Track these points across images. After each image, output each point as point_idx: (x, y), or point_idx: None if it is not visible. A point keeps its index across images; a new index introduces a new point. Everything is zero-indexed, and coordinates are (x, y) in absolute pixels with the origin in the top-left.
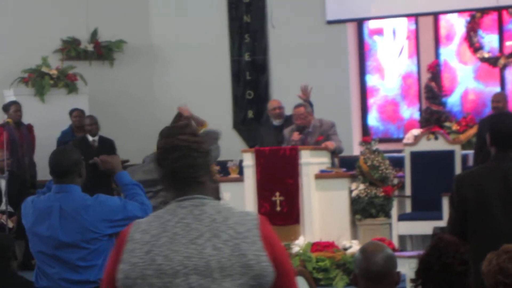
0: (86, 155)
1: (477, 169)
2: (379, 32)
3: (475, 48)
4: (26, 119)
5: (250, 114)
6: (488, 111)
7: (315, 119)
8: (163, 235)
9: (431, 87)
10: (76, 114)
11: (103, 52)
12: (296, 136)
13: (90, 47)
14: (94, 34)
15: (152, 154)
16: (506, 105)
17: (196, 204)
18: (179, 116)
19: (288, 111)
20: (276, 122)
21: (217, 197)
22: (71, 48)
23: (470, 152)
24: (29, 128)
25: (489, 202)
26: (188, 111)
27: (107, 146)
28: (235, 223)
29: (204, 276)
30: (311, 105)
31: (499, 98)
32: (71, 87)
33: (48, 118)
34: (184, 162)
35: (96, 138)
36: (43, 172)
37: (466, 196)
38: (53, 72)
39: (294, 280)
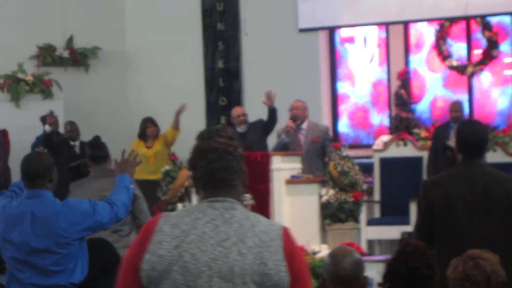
0: (68, 160)
1: (444, 175)
2: (350, 40)
3: (444, 56)
4: (0, 125)
5: (223, 120)
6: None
7: (309, 120)
8: (193, 232)
9: (401, 94)
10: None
11: (79, 58)
12: (290, 122)
13: (66, 54)
14: (70, 40)
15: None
16: (462, 114)
17: (227, 208)
18: (145, 122)
19: (256, 117)
20: (240, 128)
21: (242, 201)
22: (46, 55)
23: None
24: (4, 133)
25: (455, 208)
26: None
27: None
28: (261, 231)
29: (226, 280)
30: (275, 110)
31: (458, 108)
32: (47, 93)
33: (23, 124)
34: (220, 165)
35: (77, 143)
36: (17, 177)
37: (433, 202)
38: (29, 78)
39: None
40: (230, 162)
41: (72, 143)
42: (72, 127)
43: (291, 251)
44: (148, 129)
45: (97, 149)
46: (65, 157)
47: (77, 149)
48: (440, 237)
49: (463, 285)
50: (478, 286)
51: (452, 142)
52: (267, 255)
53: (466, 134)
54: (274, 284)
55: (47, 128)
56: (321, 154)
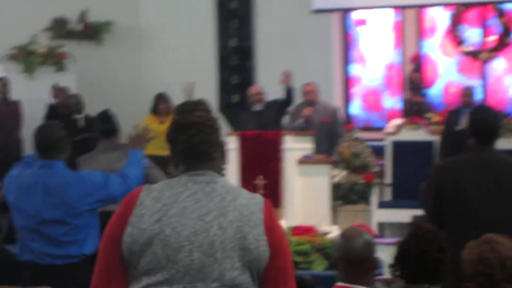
0: (72, 133)
1: (455, 158)
2: (364, 22)
3: (458, 41)
4: (14, 95)
5: (236, 98)
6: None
7: (320, 101)
8: (174, 206)
9: (414, 79)
10: (65, 93)
11: (92, 32)
12: (309, 110)
13: (79, 27)
14: (83, 14)
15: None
16: (473, 99)
17: (208, 181)
18: (158, 98)
19: (271, 97)
20: (256, 107)
21: (222, 174)
22: (59, 28)
23: None
24: (17, 104)
25: (466, 191)
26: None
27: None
28: (242, 205)
29: (207, 254)
30: (292, 90)
31: (469, 93)
32: (60, 66)
33: (35, 95)
34: (200, 138)
35: (82, 116)
36: (29, 148)
37: (443, 185)
38: (42, 50)
39: (291, 263)
40: (210, 136)
41: (78, 116)
42: (77, 99)
43: (271, 225)
44: (160, 105)
45: (106, 123)
46: (68, 131)
47: (82, 122)
48: (451, 220)
49: (477, 267)
50: (493, 269)
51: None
52: (247, 229)
53: (478, 119)
54: (254, 258)
55: (52, 100)
56: (330, 136)
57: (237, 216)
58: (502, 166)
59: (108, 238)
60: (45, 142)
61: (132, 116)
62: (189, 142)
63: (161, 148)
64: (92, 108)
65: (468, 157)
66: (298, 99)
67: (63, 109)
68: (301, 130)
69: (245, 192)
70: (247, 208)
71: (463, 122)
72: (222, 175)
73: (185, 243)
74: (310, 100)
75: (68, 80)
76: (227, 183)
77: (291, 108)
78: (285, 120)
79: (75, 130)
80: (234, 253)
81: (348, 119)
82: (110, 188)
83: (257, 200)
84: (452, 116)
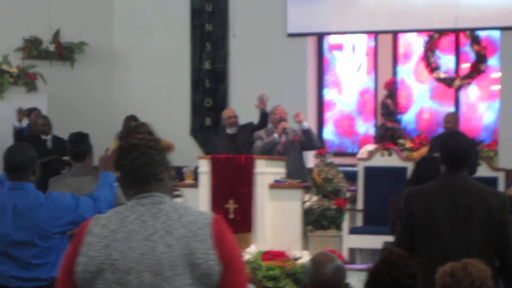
0: (40, 154)
1: (427, 185)
2: (339, 47)
3: (432, 68)
4: None
5: (208, 121)
6: (442, 130)
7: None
8: (121, 231)
9: (387, 104)
10: (36, 114)
11: (65, 52)
12: (285, 124)
13: (52, 48)
14: (56, 34)
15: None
16: (457, 125)
17: (154, 202)
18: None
19: (245, 120)
20: (230, 130)
21: (172, 194)
22: (32, 47)
23: None
24: None
25: (438, 219)
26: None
27: (61, 145)
28: (189, 221)
29: (156, 274)
30: (267, 114)
31: (450, 119)
32: (31, 86)
33: (5, 116)
34: (143, 160)
35: (49, 137)
36: None
37: (415, 212)
38: (14, 70)
39: (245, 277)
40: (153, 157)
41: (44, 137)
42: (44, 121)
43: (221, 239)
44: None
45: (76, 146)
46: (37, 151)
47: (49, 144)
48: (422, 248)
49: (445, 280)
50: (460, 284)
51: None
52: (195, 244)
53: (449, 145)
54: (205, 273)
55: (18, 124)
56: (300, 153)
57: (184, 233)
58: (474, 193)
59: (63, 271)
60: (15, 163)
61: (105, 137)
62: (132, 165)
63: None
64: (64, 130)
65: (440, 184)
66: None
67: (32, 130)
68: (276, 144)
69: (193, 210)
70: (194, 224)
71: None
72: (175, 195)
73: (133, 265)
74: (284, 117)
75: (40, 101)
76: (175, 203)
77: (256, 133)
78: (257, 142)
79: (44, 151)
80: (184, 269)
81: (321, 143)
82: (81, 211)
83: (205, 216)
84: (433, 142)
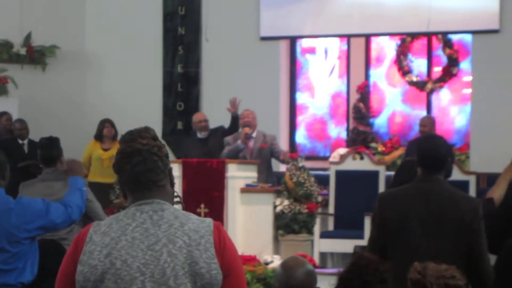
0: (16, 158)
1: (400, 188)
2: (311, 50)
3: (404, 71)
4: None
5: (180, 125)
6: (414, 133)
7: (258, 129)
8: (122, 238)
9: (359, 108)
10: (7, 117)
11: (36, 56)
12: (247, 129)
13: (23, 51)
14: (28, 38)
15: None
16: (433, 129)
17: (155, 209)
18: (103, 123)
19: (216, 124)
20: (201, 134)
21: (172, 201)
22: (3, 51)
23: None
24: None
25: (409, 223)
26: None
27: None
28: (190, 229)
29: (160, 284)
30: (238, 118)
31: (426, 123)
32: (2, 90)
33: None
34: (145, 166)
35: (25, 141)
36: None
37: (387, 215)
38: None
39: (245, 284)
40: (156, 163)
41: (20, 141)
42: (22, 125)
43: (223, 246)
44: (105, 129)
45: (47, 150)
46: (13, 157)
47: (25, 148)
48: (393, 252)
49: (412, 275)
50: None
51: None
52: (197, 253)
53: (426, 148)
54: (207, 282)
55: None
56: (269, 160)
57: (186, 241)
58: (447, 198)
59: (62, 279)
60: None
61: (77, 141)
62: (134, 170)
63: (103, 175)
64: (35, 134)
65: (414, 187)
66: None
67: (5, 134)
68: (240, 150)
69: (194, 217)
70: (196, 233)
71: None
72: (176, 202)
73: (137, 275)
74: (247, 122)
75: (11, 105)
76: (176, 210)
77: (226, 138)
78: (225, 148)
79: (21, 156)
80: (187, 279)
81: (293, 147)
82: (51, 215)
83: (206, 223)
84: (410, 146)
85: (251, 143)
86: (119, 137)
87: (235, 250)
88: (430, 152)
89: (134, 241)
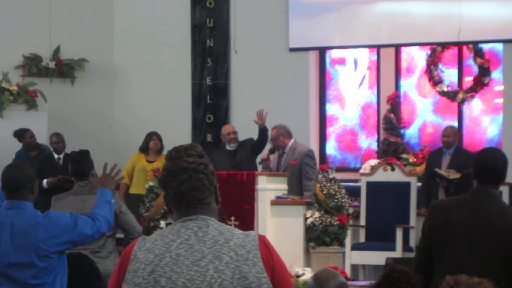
0: (51, 172)
1: (452, 199)
2: (341, 61)
3: (435, 81)
4: None
5: (209, 137)
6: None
7: (294, 141)
8: (167, 255)
9: (390, 119)
10: (30, 134)
11: (65, 70)
12: (264, 155)
13: (52, 65)
14: (56, 51)
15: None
16: (456, 139)
17: (200, 226)
18: (150, 136)
19: (245, 136)
20: (230, 146)
21: (217, 217)
22: (32, 65)
23: None
24: None
25: (455, 234)
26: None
27: None
28: (236, 245)
29: None
30: (266, 130)
31: (449, 133)
32: (31, 104)
33: (6, 134)
34: (191, 185)
35: (61, 155)
36: None
37: (434, 225)
38: (13, 87)
39: None
40: (201, 181)
41: (56, 156)
42: (58, 138)
43: (270, 260)
44: (151, 142)
45: (78, 164)
46: (49, 172)
47: (61, 162)
48: (438, 262)
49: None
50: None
51: (443, 169)
52: (246, 268)
53: (483, 161)
54: None
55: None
56: (298, 177)
57: (233, 257)
58: (496, 212)
59: None
60: (13, 182)
61: (107, 154)
62: (180, 188)
63: (144, 188)
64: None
65: (465, 199)
66: None
67: (30, 151)
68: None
69: (238, 232)
70: (242, 248)
71: (444, 165)
72: (221, 218)
73: None
74: (274, 145)
75: (40, 119)
76: (221, 225)
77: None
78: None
79: (55, 170)
80: None
81: (324, 159)
82: (79, 229)
83: (251, 237)
84: (432, 157)
85: (282, 158)
86: (165, 151)
87: (282, 262)
88: (487, 164)
89: (179, 258)
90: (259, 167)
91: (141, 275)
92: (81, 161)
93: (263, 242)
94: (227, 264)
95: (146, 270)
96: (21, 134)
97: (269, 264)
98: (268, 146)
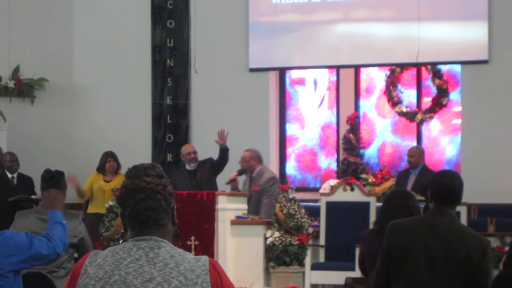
0: (4, 192)
1: (410, 220)
2: (301, 81)
3: (394, 102)
4: None
5: (169, 157)
6: (404, 164)
7: (261, 167)
8: (116, 273)
9: (349, 139)
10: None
11: (24, 89)
12: (232, 175)
13: (11, 84)
14: (16, 70)
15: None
16: (421, 160)
17: (152, 247)
18: (106, 156)
19: (205, 156)
20: (190, 166)
21: (171, 239)
22: None
23: None
24: None
25: (415, 255)
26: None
27: (26, 183)
28: (186, 269)
29: None
30: (227, 150)
31: (413, 153)
32: None
33: None
34: (147, 205)
35: (15, 175)
36: None
37: (393, 244)
38: None
39: None
40: (158, 202)
41: (10, 175)
42: (12, 157)
43: (220, 285)
44: (107, 164)
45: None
46: (2, 191)
47: (15, 182)
48: (396, 282)
49: None
50: None
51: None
52: None
53: (439, 183)
54: None
55: None
56: (259, 200)
57: (182, 281)
58: (456, 234)
59: None
60: None
61: (67, 173)
62: (136, 207)
63: (103, 207)
64: (25, 167)
65: (424, 220)
66: (233, 158)
67: None
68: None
69: (190, 256)
70: (192, 272)
71: (410, 183)
72: (176, 238)
73: None
74: (243, 166)
75: (0, 138)
76: (172, 248)
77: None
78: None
79: (9, 190)
80: None
81: (284, 178)
82: (35, 249)
83: (202, 262)
84: (400, 177)
85: (251, 184)
86: (122, 169)
87: (232, 286)
88: (444, 186)
89: (127, 277)
90: (224, 187)
91: None
92: (49, 180)
93: (214, 267)
94: None
95: (95, 286)
96: None
97: None
98: (235, 166)
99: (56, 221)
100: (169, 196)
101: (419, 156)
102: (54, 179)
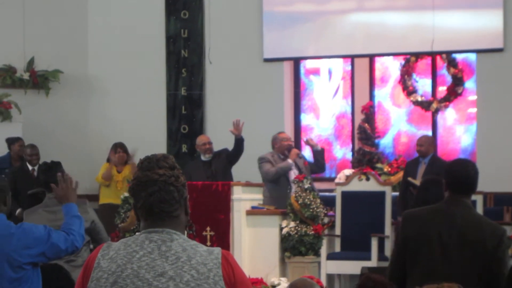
0: (25, 185)
1: (425, 208)
2: (316, 71)
3: (409, 91)
4: None
5: (184, 148)
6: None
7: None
8: (128, 267)
9: (364, 128)
10: (21, 143)
11: (39, 81)
12: (297, 151)
13: (26, 76)
14: (31, 62)
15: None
16: (430, 148)
17: (164, 239)
18: (115, 147)
19: (220, 146)
20: (205, 157)
21: (184, 230)
22: (6, 76)
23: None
24: None
25: (429, 243)
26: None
27: None
28: (198, 263)
29: None
30: (242, 140)
31: (422, 142)
32: (5, 115)
33: None
34: (160, 197)
35: (36, 167)
36: None
37: (408, 234)
38: None
39: None
40: (171, 193)
41: (30, 167)
42: (33, 150)
43: (232, 277)
44: (117, 155)
45: (46, 175)
46: (23, 183)
47: (35, 174)
48: (412, 271)
49: None
50: None
51: (418, 179)
52: (207, 287)
53: (454, 172)
54: None
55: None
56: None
57: (194, 275)
58: (472, 223)
59: None
60: None
61: (82, 165)
62: (149, 200)
63: (116, 197)
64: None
65: (439, 209)
66: (249, 147)
67: (16, 160)
68: (289, 170)
69: (202, 248)
70: (204, 266)
71: (419, 175)
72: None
73: None
74: (292, 145)
75: (15, 130)
76: (185, 241)
77: (266, 155)
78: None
79: (30, 182)
80: None
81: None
82: (52, 242)
83: (214, 255)
84: (409, 166)
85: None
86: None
87: (245, 279)
88: (459, 175)
89: (140, 270)
90: (239, 178)
91: (104, 285)
92: (48, 172)
93: (226, 260)
94: (187, 282)
95: (108, 280)
96: (12, 141)
97: (231, 282)
98: (251, 157)
99: (72, 215)
100: (182, 187)
101: (429, 145)
102: (51, 170)
